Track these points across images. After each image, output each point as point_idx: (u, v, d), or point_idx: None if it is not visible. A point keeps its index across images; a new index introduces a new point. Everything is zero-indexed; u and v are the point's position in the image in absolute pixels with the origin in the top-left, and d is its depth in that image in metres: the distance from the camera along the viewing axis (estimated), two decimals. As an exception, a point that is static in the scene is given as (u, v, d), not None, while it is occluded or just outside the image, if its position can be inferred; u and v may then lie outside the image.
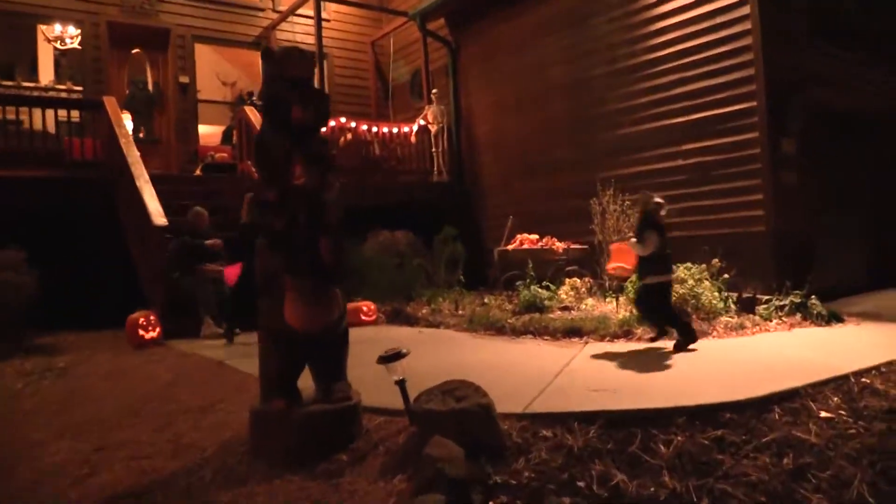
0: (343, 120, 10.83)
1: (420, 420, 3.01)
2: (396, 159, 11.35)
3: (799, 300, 6.42)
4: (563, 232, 9.01)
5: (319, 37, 10.95)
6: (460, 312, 7.59)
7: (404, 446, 3.02)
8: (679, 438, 3.05)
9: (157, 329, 6.62)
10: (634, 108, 8.71)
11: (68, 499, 2.93)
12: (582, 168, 9.30)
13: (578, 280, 8.10)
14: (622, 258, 5.92)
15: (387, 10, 13.48)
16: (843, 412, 3.39)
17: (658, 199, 5.53)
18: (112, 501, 2.85)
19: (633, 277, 6.29)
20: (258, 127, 9.34)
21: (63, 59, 11.33)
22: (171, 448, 3.33)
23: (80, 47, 10.99)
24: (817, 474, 2.77)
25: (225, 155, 11.39)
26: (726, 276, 6.76)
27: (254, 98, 11.26)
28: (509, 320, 6.38)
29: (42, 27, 11.12)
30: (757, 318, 6.28)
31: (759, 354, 4.77)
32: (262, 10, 12.77)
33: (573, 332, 5.82)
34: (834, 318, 6.16)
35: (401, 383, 3.26)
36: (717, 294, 6.49)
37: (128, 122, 9.28)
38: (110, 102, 8.61)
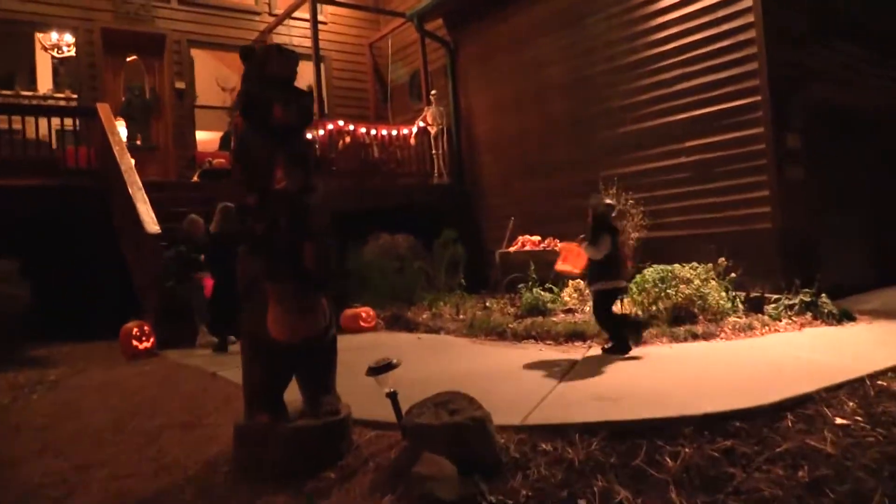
0: (341, 123, 10.68)
1: (411, 435, 2.85)
2: (396, 162, 11.21)
3: (809, 299, 6.25)
4: (565, 232, 8.81)
5: (316, 39, 10.81)
6: (461, 317, 7.43)
7: (395, 462, 2.86)
8: (686, 450, 2.88)
9: (151, 339, 6.49)
10: (635, 105, 8.55)
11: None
12: (583, 167, 9.15)
13: (582, 282, 7.93)
14: (571, 259, 5.73)
15: (384, 12, 13.34)
16: (859, 418, 3.21)
17: (609, 201, 5.41)
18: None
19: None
20: (254, 131, 9.20)
21: (62, 67, 11.21)
22: (152, 467, 3.18)
23: (74, 55, 10.87)
24: (835, 488, 2.60)
25: (223, 161, 11.25)
26: (733, 275, 6.59)
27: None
28: (510, 325, 6.22)
29: (39, 35, 11.01)
30: (766, 318, 6.11)
31: (770, 357, 4.59)
32: (258, 13, 12.66)
33: (576, 336, 5.67)
34: (845, 316, 5.98)
35: (392, 395, 3.10)
36: (724, 294, 6.32)
37: (122, 128, 9.16)
38: (103, 109, 8.49)
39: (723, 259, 6.65)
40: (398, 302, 8.62)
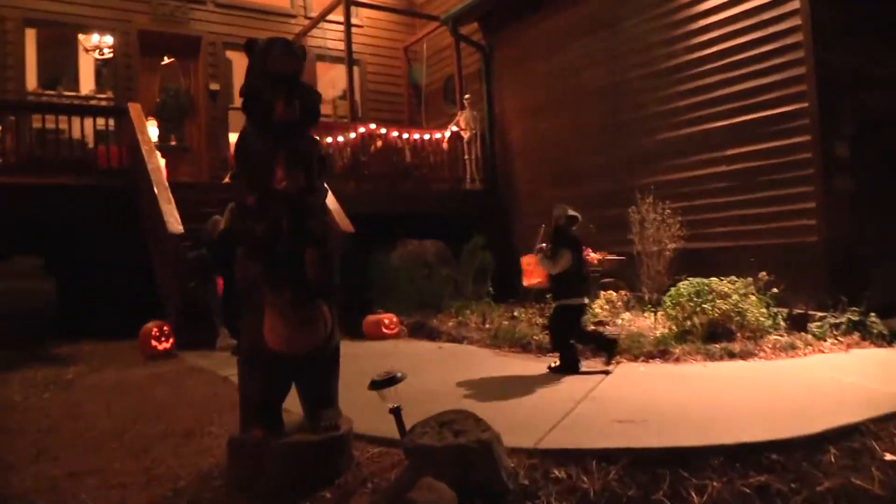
0: (373, 126, 10.56)
1: (412, 456, 2.65)
2: (428, 166, 11.05)
3: (857, 318, 5.89)
4: (600, 241, 8.54)
5: (349, 42, 10.72)
6: (487, 326, 7.20)
7: (395, 485, 2.65)
8: (715, 484, 2.62)
9: (171, 340, 6.42)
10: (674, 111, 8.23)
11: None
12: (619, 175, 8.86)
13: (614, 293, 7.65)
14: (536, 272, 5.43)
15: (419, 15, 13.22)
16: (911, 454, 2.90)
17: (572, 213, 5.14)
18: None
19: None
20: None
21: (104, 69, 11.40)
22: (145, 477, 3.03)
23: (111, 56, 11.00)
24: (883, 536, 2.31)
25: (254, 162, 11.22)
26: (774, 290, 6.24)
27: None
28: (535, 336, 5.97)
29: (81, 37, 11.20)
30: (809, 337, 5.74)
31: (812, 380, 4.26)
32: (293, 16, 12.66)
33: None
34: (896, 338, 5.58)
35: (395, 411, 2.90)
36: (764, 310, 5.97)
37: (153, 129, 9.18)
38: (134, 109, 8.51)
39: (764, 273, 6.30)
40: (425, 309, 8.43)
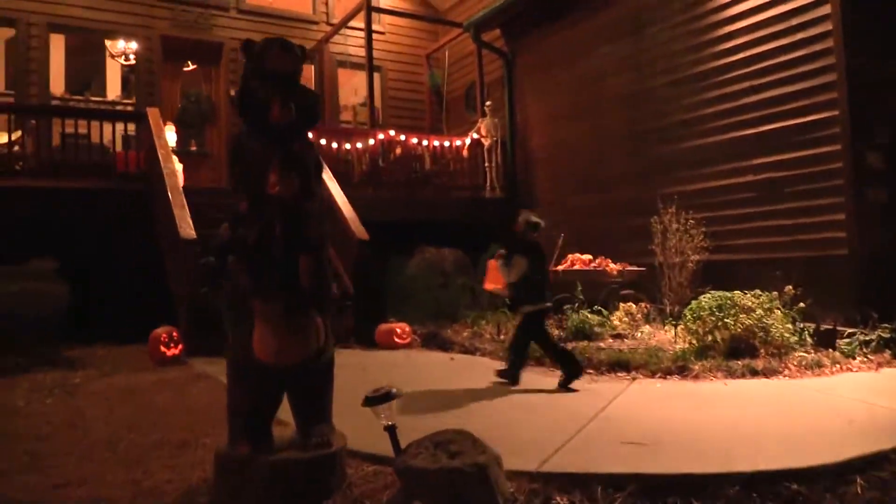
0: (392, 133, 10.48)
1: (404, 477, 2.50)
2: (448, 174, 10.93)
3: (888, 335, 5.64)
4: (621, 252, 8.37)
5: (370, 49, 10.67)
6: (502, 337, 7.03)
7: (386, 508, 2.51)
8: (729, 516, 2.43)
9: (180, 346, 6.36)
10: (699, 119, 8.02)
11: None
12: (641, 184, 8.66)
13: (634, 305, 7.43)
14: (497, 279, 5.30)
15: (441, 21, 13.15)
16: (947, 487, 2.68)
17: (534, 219, 5.05)
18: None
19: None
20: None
21: (131, 75, 11.51)
22: (132, 490, 2.92)
23: (134, 62, 11.09)
24: (914, 580, 2.10)
25: (274, 168, 11.21)
26: (801, 304, 5.98)
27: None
28: (549, 349, 5.76)
29: (108, 43, 11.32)
30: (837, 354, 5.48)
31: (839, 402, 4.02)
32: (315, 23, 12.66)
33: (620, 365, 5.19)
34: (931, 357, 5.30)
35: (390, 429, 2.75)
36: (789, 325, 5.72)
37: (171, 134, 9.19)
38: (152, 114, 8.51)
39: (790, 287, 6.05)
40: (441, 318, 8.29)
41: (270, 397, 2.74)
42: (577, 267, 8.06)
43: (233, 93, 11.74)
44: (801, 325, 5.89)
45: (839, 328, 5.90)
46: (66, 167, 8.54)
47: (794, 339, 5.61)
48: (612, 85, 9.36)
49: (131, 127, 9.59)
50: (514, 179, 11.21)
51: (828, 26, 6.71)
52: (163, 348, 6.28)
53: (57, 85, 11.02)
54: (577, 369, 4.74)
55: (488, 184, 10.99)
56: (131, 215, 8.38)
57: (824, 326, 5.91)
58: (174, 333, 6.40)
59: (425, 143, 10.71)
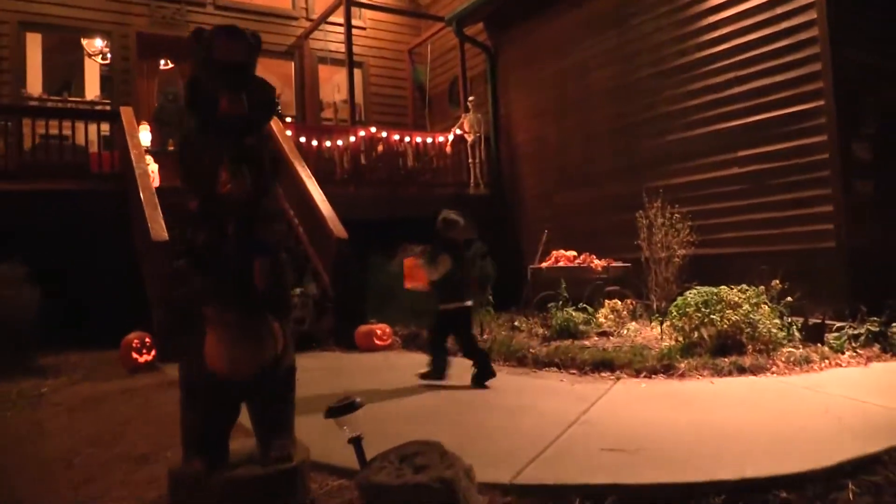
0: (373, 129, 10.30)
1: (366, 494, 2.33)
2: (431, 171, 10.76)
3: (877, 328, 5.52)
4: (608, 247, 8.24)
5: (349, 44, 10.50)
6: (485, 337, 6.86)
7: (348, 527, 2.34)
8: (713, 529, 2.28)
9: (153, 352, 6.16)
10: (684, 111, 7.91)
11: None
12: (627, 178, 8.55)
13: (620, 302, 7.29)
14: (417, 277, 5.34)
15: (422, 16, 12.97)
16: (942, 491, 2.54)
17: (452, 217, 5.01)
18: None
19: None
20: (279, 136, 8.90)
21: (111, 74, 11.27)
22: (82, 512, 2.75)
23: (108, 61, 10.85)
24: None
25: (253, 167, 11.00)
26: (789, 298, 5.85)
27: (279, 107, 10.83)
28: (531, 350, 5.62)
29: (84, 42, 11.08)
30: (826, 349, 5.35)
31: (828, 400, 3.89)
32: (295, 18, 12.44)
33: (604, 365, 5.03)
34: (922, 351, 5.19)
35: (356, 442, 2.59)
36: (777, 321, 5.59)
37: (145, 133, 8.96)
38: (125, 113, 8.30)
39: (777, 281, 5.92)
40: (425, 318, 8.10)
41: (225, 410, 2.57)
42: (561, 264, 7.92)
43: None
44: (789, 320, 5.77)
45: (828, 322, 5.79)
46: (39, 168, 8.33)
47: (781, 334, 5.48)
48: (597, 78, 9.24)
49: (101, 126, 9.36)
50: (499, 175, 11.07)
51: (812, 15, 6.61)
52: (135, 354, 6.08)
53: (34, 86, 10.78)
54: (489, 372, 4.78)
55: (472, 180, 10.85)
56: (108, 218, 8.17)
57: (812, 321, 5.78)
58: (147, 339, 6.20)
59: (407, 139, 10.54)
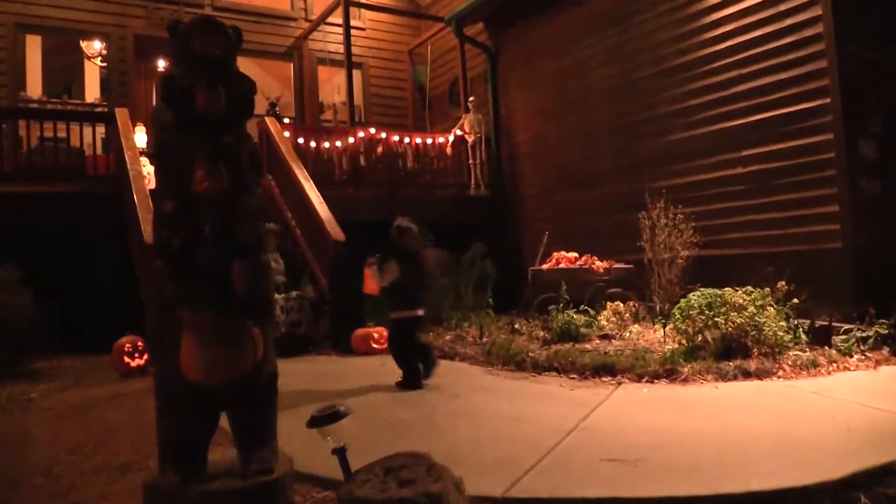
0: (373, 130, 10.19)
1: (349, 510, 2.21)
2: (431, 172, 10.65)
3: (886, 331, 5.38)
4: (610, 248, 8.11)
5: (348, 45, 10.39)
6: (484, 340, 6.75)
7: (330, 544, 2.22)
8: (717, 546, 2.15)
9: (145, 356, 6.05)
10: (687, 110, 7.78)
11: None
12: (629, 178, 8.42)
13: (622, 304, 7.15)
14: (374, 283, 5.28)
15: (422, 16, 12.85)
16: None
17: (405, 225, 5.04)
18: None
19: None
20: (276, 137, 8.80)
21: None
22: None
23: (105, 64, 10.77)
24: None
25: (252, 169, 10.90)
26: (795, 300, 5.71)
27: (277, 108, 10.74)
28: (531, 353, 5.48)
29: (83, 44, 11.02)
30: (833, 352, 5.21)
31: (837, 406, 3.75)
32: (293, 19, 12.33)
33: (605, 370, 4.90)
34: (931, 354, 5.04)
35: (340, 453, 2.46)
36: (783, 323, 5.45)
37: (141, 135, 8.86)
38: (121, 114, 8.20)
39: (783, 283, 5.79)
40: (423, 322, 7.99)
41: (202, 420, 2.45)
42: (562, 265, 7.79)
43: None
44: (795, 322, 5.63)
45: (835, 324, 5.65)
46: (34, 171, 8.26)
47: (788, 337, 5.34)
48: (598, 77, 9.12)
49: (97, 128, 9.27)
50: (500, 176, 10.95)
51: (817, 11, 6.48)
52: (127, 359, 5.99)
53: (34, 88, 10.72)
54: (416, 383, 4.82)
55: (473, 181, 10.73)
56: (104, 220, 8.06)
57: (819, 323, 5.65)
58: (139, 343, 6.10)
59: (407, 140, 10.42)
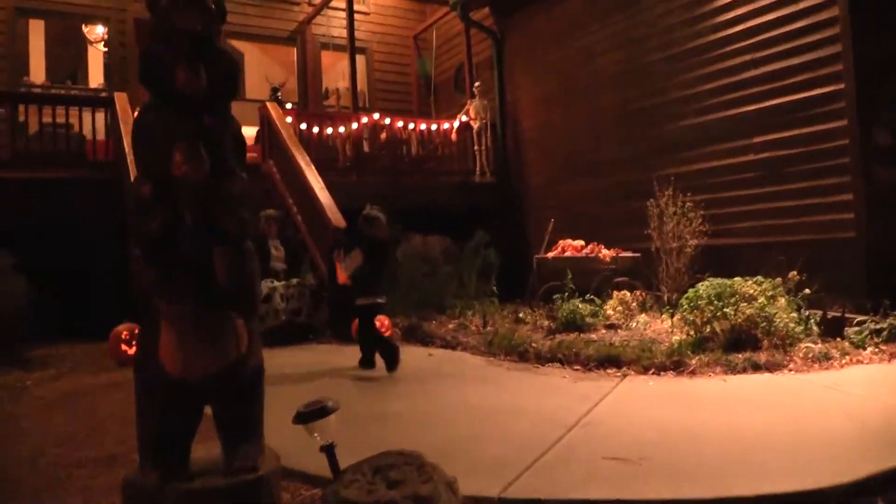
0: (376, 116, 10.04)
1: (335, 512, 2.09)
2: (436, 159, 10.50)
3: (901, 323, 5.17)
4: (617, 237, 7.96)
5: (351, 30, 10.22)
6: (488, 329, 6.62)
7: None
8: (724, 554, 2.02)
9: (142, 345, 5.94)
10: (697, 96, 7.60)
11: None
12: (637, 165, 8.27)
13: (629, 293, 7.01)
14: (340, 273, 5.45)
15: (426, 0, 12.62)
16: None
17: (372, 214, 5.16)
18: None
19: None
20: (278, 123, 8.66)
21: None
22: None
23: (107, 49, 10.65)
24: None
25: (254, 155, 10.76)
26: (806, 291, 5.56)
27: (279, 93, 10.58)
28: (533, 344, 5.35)
29: (85, 29, 10.89)
30: (846, 344, 5.06)
31: (851, 401, 3.61)
32: (297, 3, 12.14)
33: (609, 361, 4.76)
34: (948, 347, 4.88)
35: (328, 450, 2.34)
36: (794, 314, 5.29)
37: (141, 119, 8.71)
38: (119, 99, 8.08)
39: (794, 273, 5.63)
40: (427, 309, 7.88)
41: (184, 415, 2.32)
42: (568, 254, 7.65)
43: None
44: (807, 313, 5.48)
45: (847, 315, 5.49)
46: (33, 157, 8.16)
47: (799, 328, 5.19)
48: (606, 63, 8.93)
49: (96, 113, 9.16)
50: (505, 163, 10.78)
51: (833, -7, 6.25)
52: (124, 346, 5.87)
53: (37, 74, 10.61)
54: (367, 363, 5.11)
55: (478, 168, 10.58)
56: (104, 206, 7.96)
57: (831, 314, 5.49)
58: (136, 330, 5.97)
59: (411, 126, 10.27)
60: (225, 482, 2.26)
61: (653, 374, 4.53)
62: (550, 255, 7.82)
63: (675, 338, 5.43)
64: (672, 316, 6.10)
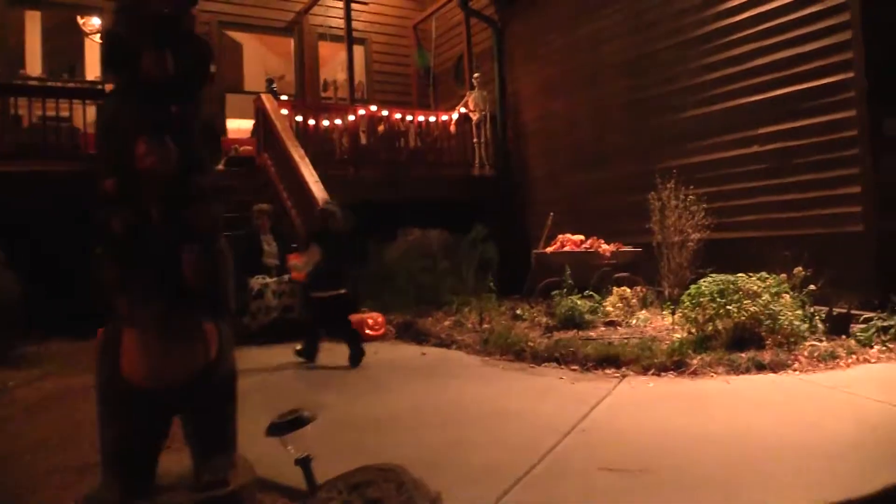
0: (374, 108, 9.86)
1: (309, 532, 1.95)
2: (435, 151, 10.32)
3: (909, 320, 5.01)
4: (618, 231, 7.79)
5: (349, 19, 10.07)
6: (484, 326, 6.47)
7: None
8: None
9: (131, 342, 5.81)
10: (701, 85, 7.43)
11: None
12: (639, 157, 8.11)
13: (629, 289, 6.85)
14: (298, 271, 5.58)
15: (426, -12, 12.42)
16: None
17: (330, 208, 5.30)
18: None
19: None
20: (273, 115, 8.49)
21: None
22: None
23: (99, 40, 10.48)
24: None
25: (249, 148, 10.61)
26: (812, 286, 5.38)
27: (274, 85, 10.40)
28: (530, 343, 5.19)
29: (80, 21, 10.71)
30: (852, 342, 4.90)
31: (859, 404, 3.45)
32: (294, -7, 11.95)
33: (608, 360, 4.60)
34: (960, 346, 4.72)
35: (304, 462, 2.19)
36: (799, 312, 5.13)
37: (133, 111, 8.56)
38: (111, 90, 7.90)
39: (799, 269, 5.46)
40: (424, 304, 7.74)
41: (147, 428, 2.18)
42: (567, 248, 7.46)
43: (206, 68, 11.20)
44: (812, 310, 5.31)
45: (854, 312, 5.33)
46: (27, 149, 8.02)
47: (804, 326, 5.02)
48: (609, 52, 8.74)
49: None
50: (505, 156, 10.62)
51: (841, -21, 6.06)
52: (111, 345, 5.74)
53: (34, 66, 10.46)
54: (361, 353, 5.08)
55: (477, 160, 10.41)
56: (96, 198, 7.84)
57: (837, 310, 5.33)
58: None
59: (410, 118, 10.09)
60: (193, 498, 2.11)
61: (653, 374, 4.38)
62: (549, 249, 7.65)
63: (677, 336, 5.28)
64: (673, 312, 5.95)
